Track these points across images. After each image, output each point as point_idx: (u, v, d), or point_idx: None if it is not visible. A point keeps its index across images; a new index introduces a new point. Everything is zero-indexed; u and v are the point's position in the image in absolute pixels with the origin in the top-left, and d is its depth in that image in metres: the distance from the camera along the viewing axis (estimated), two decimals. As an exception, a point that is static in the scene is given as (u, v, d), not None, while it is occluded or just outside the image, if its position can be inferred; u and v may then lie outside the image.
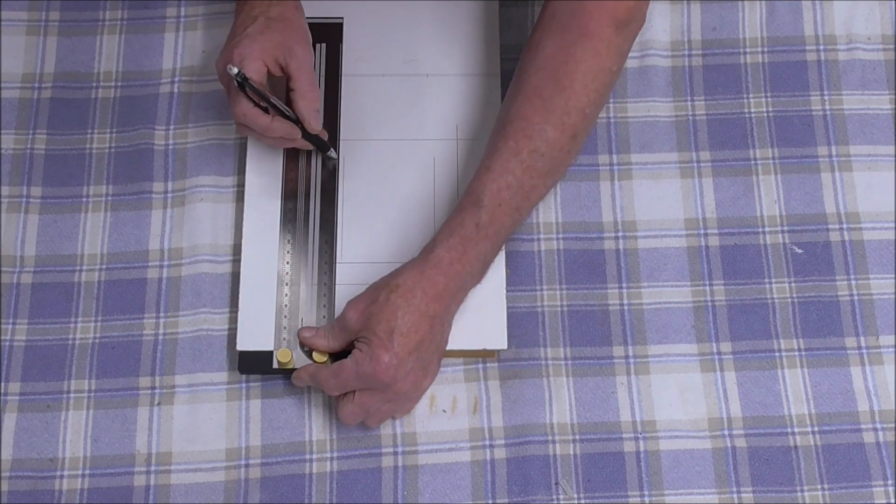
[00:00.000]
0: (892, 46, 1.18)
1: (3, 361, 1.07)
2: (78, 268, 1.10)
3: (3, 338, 1.08)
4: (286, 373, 1.05)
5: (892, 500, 1.04)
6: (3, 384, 1.06)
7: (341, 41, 1.14)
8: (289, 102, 1.04)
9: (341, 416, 1.02)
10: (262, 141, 1.07)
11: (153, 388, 1.07)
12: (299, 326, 1.05)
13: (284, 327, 1.05)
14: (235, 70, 0.97)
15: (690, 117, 1.16)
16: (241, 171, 1.13)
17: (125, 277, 1.10)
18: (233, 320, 1.08)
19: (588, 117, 1.03)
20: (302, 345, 1.05)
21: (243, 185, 1.11)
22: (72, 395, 1.06)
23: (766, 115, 1.16)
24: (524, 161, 1.01)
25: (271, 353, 1.05)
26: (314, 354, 1.04)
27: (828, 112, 1.16)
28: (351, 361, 0.99)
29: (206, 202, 1.12)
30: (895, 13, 1.19)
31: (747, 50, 1.18)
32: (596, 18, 1.01)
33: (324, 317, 1.06)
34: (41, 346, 1.08)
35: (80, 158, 1.14)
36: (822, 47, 1.18)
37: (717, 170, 1.14)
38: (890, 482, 1.05)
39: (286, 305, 1.06)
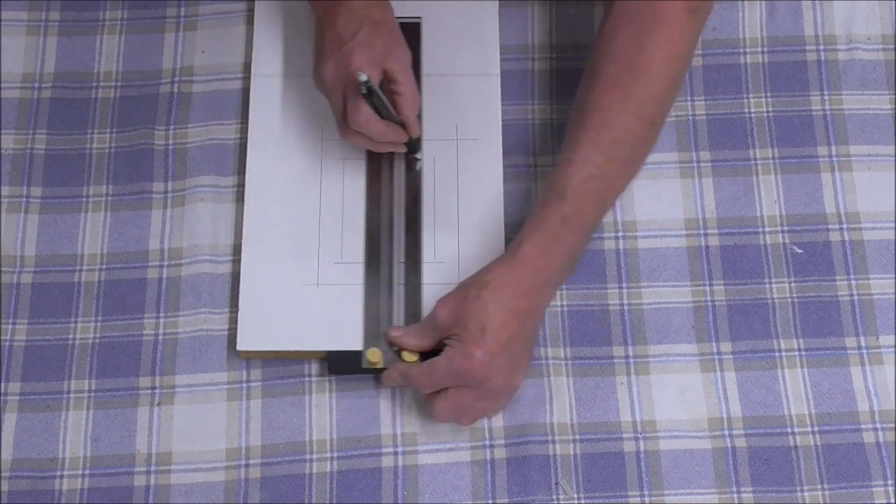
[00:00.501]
0: (892, 46, 1.18)
1: (3, 361, 1.07)
2: (78, 268, 1.10)
3: (3, 338, 1.08)
4: (375, 373, 1.05)
5: (892, 500, 1.04)
6: (3, 384, 1.06)
7: (420, 42, 1.14)
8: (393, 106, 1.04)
9: (435, 414, 1.01)
10: (367, 147, 1.06)
11: (153, 388, 1.07)
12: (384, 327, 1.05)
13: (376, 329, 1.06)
14: (365, 77, 0.95)
15: (690, 117, 1.16)
16: (241, 171, 1.13)
17: (125, 277, 1.10)
18: (232, 320, 1.08)
19: (665, 104, 1.03)
20: (391, 344, 1.04)
21: (243, 185, 1.11)
22: (72, 395, 1.06)
23: (766, 115, 1.16)
24: (606, 152, 1.00)
25: (360, 353, 1.05)
26: (403, 354, 1.03)
27: (828, 112, 1.16)
28: (443, 358, 0.99)
29: (206, 202, 1.12)
30: (895, 13, 1.19)
31: (747, 50, 1.18)
32: (670, 5, 1.01)
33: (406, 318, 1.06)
34: (41, 346, 1.08)
35: (80, 158, 1.14)
36: (822, 47, 1.18)
37: (717, 170, 1.14)
38: (890, 482, 1.05)
39: (381, 307, 1.06)
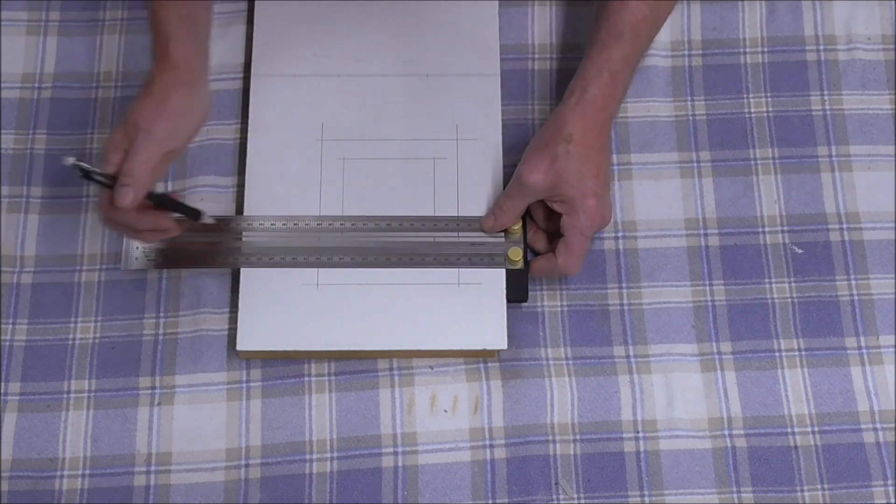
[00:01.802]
0: (892, 46, 1.18)
1: (3, 361, 1.07)
2: (78, 268, 1.10)
3: (3, 338, 1.08)
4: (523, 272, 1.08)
5: (892, 500, 1.04)
6: (3, 384, 1.06)
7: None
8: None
9: (573, 271, 1.06)
10: (143, 241, 1.03)
11: (153, 388, 1.07)
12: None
13: None
14: (70, 160, 0.93)
15: (690, 117, 1.16)
16: (240, 171, 1.13)
17: (125, 277, 1.10)
18: (232, 320, 1.08)
19: None
20: (488, 230, 1.08)
21: (243, 185, 1.11)
22: (72, 395, 1.06)
23: (766, 115, 1.16)
24: None
25: (524, 273, 1.07)
26: (508, 231, 1.08)
27: (828, 112, 1.16)
28: (573, 225, 1.03)
29: (206, 202, 1.12)
30: (895, 13, 1.19)
31: (747, 50, 1.18)
32: None
33: None
34: (41, 346, 1.08)
35: (79, 158, 1.14)
36: (822, 47, 1.18)
37: (717, 170, 1.14)
38: (890, 482, 1.05)
39: None
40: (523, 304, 1.09)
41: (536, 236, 1.08)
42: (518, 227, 1.08)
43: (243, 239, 1.08)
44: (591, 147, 1.04)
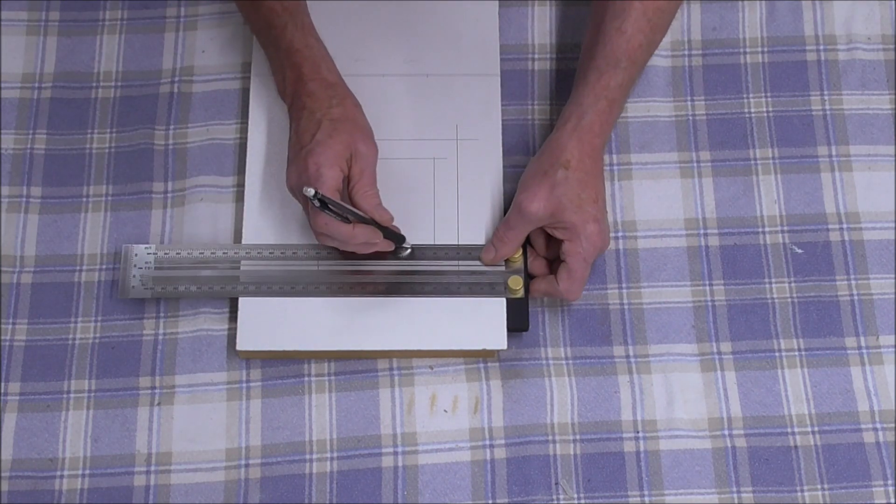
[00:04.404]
0: (892, 46, 1.18)
1: (3, 361, 1.07)
2: (78, 268, 1.10)
3: (3, 338, 1.08)
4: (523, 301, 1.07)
5: (892, 500, 1.04)
6: (3, 384, 1.06)
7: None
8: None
9: (574, 297, 1.05)
10: (344, 248, 1.05)
11: (153, 388, 1.07)
12: None
13: None
14: (312, 192, 0.95)
15: (690, 117, 1.16)
16: (241, 171, 1.13)
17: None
18: (232, 320, 1.08)
19: None
20: (490, 263, 1.08)
21: (243, 185, 1.11)
22: (72, 395, 1.06)
23: (766, 115, 1.16)
24: (651, 20, 1.07)
25: (524, 301, 1.07)
26: (508, 261, 1.07)
27: (828, 112, 1.16)
28: (575, 251, 1.03)
29: (206, 202, 1.12)
30: (895, 13, 1.19)
31: (747, 50, 1.18)
32: None
33: None
34: (41, 346, 1.08)
35: (80, 158, 1.14)
36: (822, 47, 1.18)
37: (717, 170, 1.14)
38: (890, 482, 1.05)
39: None
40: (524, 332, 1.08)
41: (536, 263, 1.08)
42: (518, 255, 1.07)
43: (241, 268, 1.07)
44: (588, 173, 1.04)
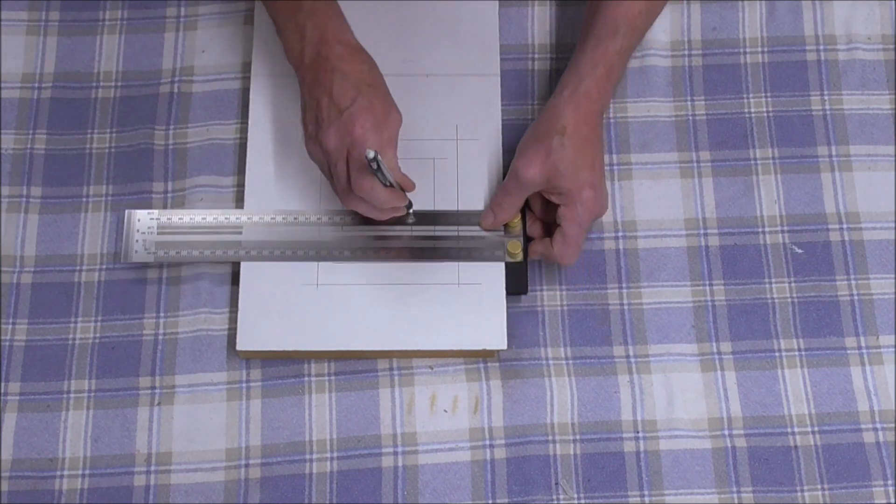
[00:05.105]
0: (892, 46, 1.18)
1: (3, 361, 1.07)
2: (78, 268, 1.10)
3: (3, 338, 1.08)
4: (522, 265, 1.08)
5: (892, 500, 1.04)
6: (3, 384, 1.06)
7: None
8: None
9: (569, 262, 1.06)
10: (370, 214, 1.05)
11: (153, 388, 1.07)
12: None
13: None
14: (372, 154, 0.95)
15: (690, 117, 1.16)
16: (241, 171, 1.13)
17: (125, 277, 1.10)
18: (232, 320, 1.08)
19: None
20: (490, 229, 1.09)
21: (243, 185, 1.11)
22: (72, 395, 1.06)
23: (766, 115, 1.16)
24: None
25: (523, 266, 1.08)
26: (508, 226, 1.09)
27: (828, 112, 1.16)
28: (570, 216, 1.04)
29: (206, 202, 1.12)
30: (895, 13, 1.19)
31: (747, 50, 1.18)
32: None
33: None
34: (41, 346, 1.08)
35: (80, 158, 1.14)
36: (822, 47, 1.18)
37: (717, 170, 1.14)
38: (890, 482, 1.05)
39: None
40: (523, 300, 1.09)
41: (535, 226, 1.09)
42: (517, 220, 1.08)
43: (243, 233, 1.08)
44: (584, 139, 1.04)
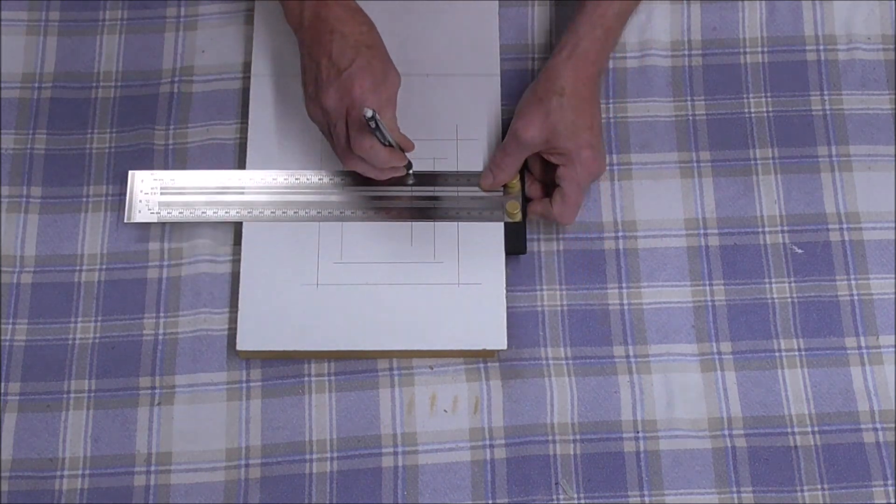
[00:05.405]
0: (892, 46, 1.18)
1: (3, 361, 1.07)
2: (78, 268, 1.10)
3: (3, 338, 1.08)
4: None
5: (892, 500, 1.04)
6: (3, 384, 1.06)
7: None
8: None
9: (568, 221, 1.07)
10: (370, 174, 1.06)
11: (153, 388, 1.07)
12: None
13: None
14: (370, 112, 0.96)
15: (690, 117, 1.16)
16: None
17: (125, 277, 1.10)
18: (232, 320, 1.08)
19: None
20: (488, 189, 1.10)
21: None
22: (72, 395, 1.06)
23: (766, 115, 1.16)
24: None
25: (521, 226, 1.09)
26: (507, 186, 1.09)
27: (828, 112, 1.16)
28: (569, 176, 1.05)
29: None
30: (895, 13, 1.19)
31: (747, 50, 1.18)
32: None
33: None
34: (41, 346, 1.08)
35: (80, 158, 1.14)
36: (822, 47, 1.18)
37: (717, 170, 1.14)
38: (890, 482, 1.05)
39: None
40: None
41: (533, 187, 1.10)
42: (516, 181, 1.09)
43: (245, 193, 1.08)
44: (583, 99, 1.05)
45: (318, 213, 1.09)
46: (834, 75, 1.17)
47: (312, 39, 1.05)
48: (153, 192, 1.09)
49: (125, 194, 1.12)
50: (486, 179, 1.09)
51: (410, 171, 1.09)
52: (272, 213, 1.08)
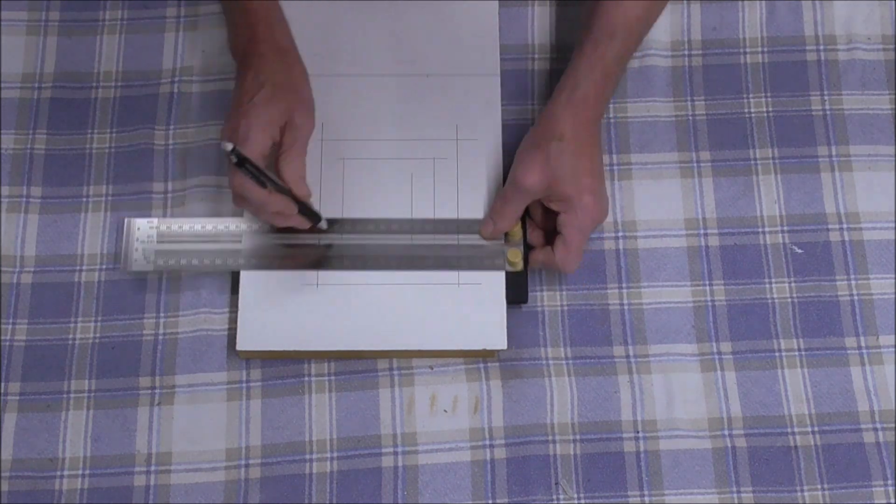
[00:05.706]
0: (892, 46, 1.18)
1: (3, 361, 1.07)
2: (78, 268, 1.10)
3: (3, 338, 1.08)
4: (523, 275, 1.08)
5: (892, 500, 1.04)
6: (3, 384, 1.06)
7: None
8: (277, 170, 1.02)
9: (571, 269, 1.06)
10: (259, 217, 1.04)
11: (153, 388, 1.07)
12: None
13: None
14: (230, 147, 0.93)
15: (690, 117, 1.16)
16: (241, 171, 1.13)
17: (125, 277, 1.10)
18: (232, 320, 1.08)
19: None
20: (490, 238, 1.08)
21: (243, 185, 1.11)
22: (72, 395, 1.06)
23: (766, 115, 1.16)
24: None
25: (523, 275, 1.08)
26: (508, 234, 1.08)
27: (828, 112, 1.16)
28: (571, 223, 1.04)
29: (206, 202, 1.12)
30: (895, 13, 1.19)
31: (747, 50, 1.18)
32: None
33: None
34: (41, 346, 1.08)
35: (80, 158, 1.14)
36: (822, 47, 1.18)
37: (717, 170, 1.14)
38: (890, 482, 1.05)
39: None
40: (523, 304, 1.09)
41: (535, 234, 1.09)
42: (517, 228, 1.08)
43: (243, 241, 1.08)
44: (582, 144, 1.04)
45: (317, 261, 1.06)
46: (834, 75, 1.17)
47: (237, 72, 1.05)
48: (149, 240, 1.07)
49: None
50: (486, 228, 1.08)
51: (321, 224, 1.05)
52: (269, 262, 1.06)
